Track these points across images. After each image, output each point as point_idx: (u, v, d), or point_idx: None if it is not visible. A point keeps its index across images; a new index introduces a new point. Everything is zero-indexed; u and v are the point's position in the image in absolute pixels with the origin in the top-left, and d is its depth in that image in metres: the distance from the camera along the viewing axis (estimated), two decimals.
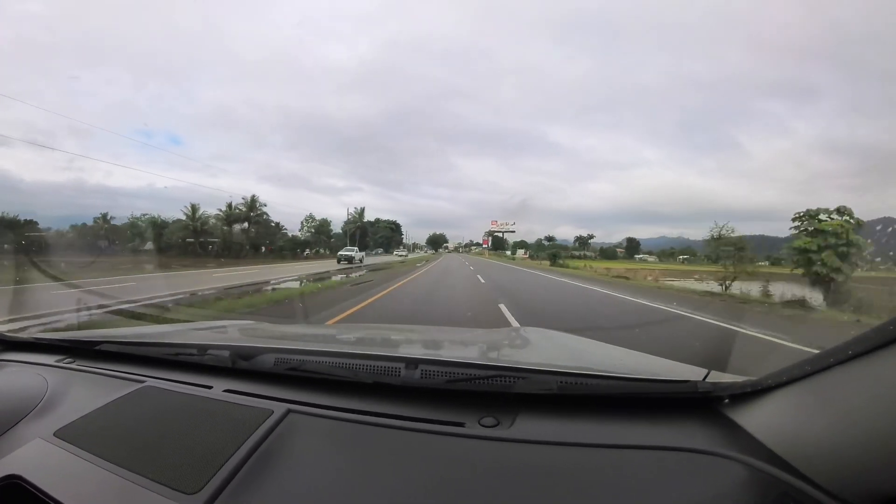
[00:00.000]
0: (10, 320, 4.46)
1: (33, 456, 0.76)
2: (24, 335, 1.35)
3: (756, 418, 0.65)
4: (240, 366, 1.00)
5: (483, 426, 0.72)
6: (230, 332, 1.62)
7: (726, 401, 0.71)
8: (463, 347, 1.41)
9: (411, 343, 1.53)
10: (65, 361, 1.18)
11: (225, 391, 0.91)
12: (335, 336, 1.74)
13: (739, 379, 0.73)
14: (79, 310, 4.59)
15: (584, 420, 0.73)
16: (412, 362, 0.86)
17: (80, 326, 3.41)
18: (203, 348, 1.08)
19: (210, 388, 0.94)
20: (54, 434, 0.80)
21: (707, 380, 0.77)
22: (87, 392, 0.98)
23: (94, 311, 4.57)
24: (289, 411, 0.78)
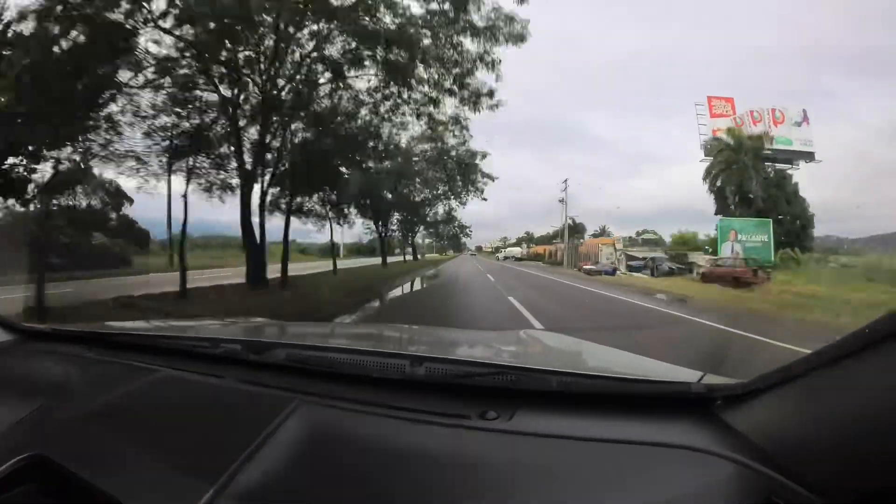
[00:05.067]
0: None
1: (55, 438, 0.78)
2: (41, 326, 1.39)
3: (746, 419, 0.67)
4: (251, 358, 1.02)
5: (485, 419, 0.74)
6: (245, 327, 1.68)
7: (719, 402, 0.73)
8: (467, 347, 1.46)
9: (418, 342, 1.58)
10: (83, 352, 1.21)
11: (238, 381, 0.94)
12: (345, 334, 1.79)
13: (731, 381, 0.76)
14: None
15: (582, 417, 0.76)
16: (417, 360, 0.90)
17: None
18: (216, 342, 1.11)
19: (224, 377, 0.96)
20: (75, 419, 0.83)
21: (702, 382, 0.80)
22: (103, 381, 1.00)
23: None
24: (300, 401, 0.80)
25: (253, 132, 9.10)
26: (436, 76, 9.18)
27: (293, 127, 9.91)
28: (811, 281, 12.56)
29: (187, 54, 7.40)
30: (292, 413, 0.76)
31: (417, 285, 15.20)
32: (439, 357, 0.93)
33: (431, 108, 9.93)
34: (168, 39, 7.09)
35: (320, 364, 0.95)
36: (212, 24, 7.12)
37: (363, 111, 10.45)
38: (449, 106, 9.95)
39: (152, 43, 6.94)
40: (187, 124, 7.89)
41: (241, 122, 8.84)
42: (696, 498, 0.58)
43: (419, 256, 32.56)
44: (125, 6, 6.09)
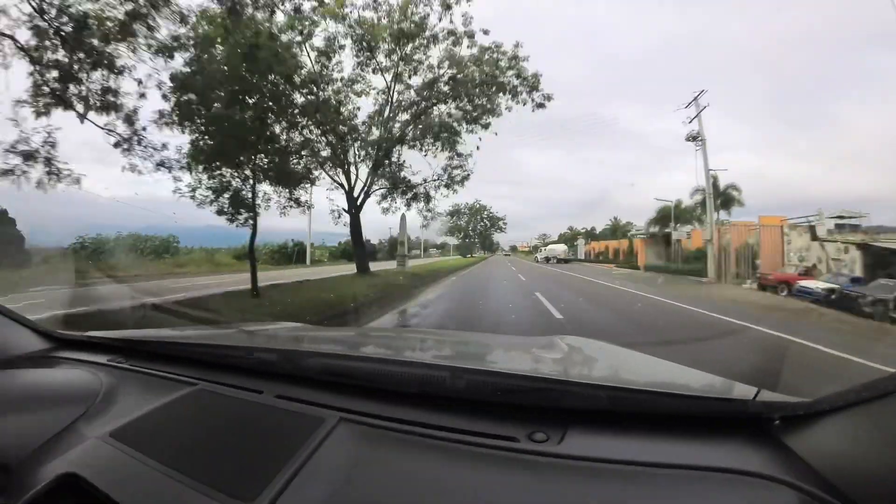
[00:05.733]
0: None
1: (89, 455, 0.77)
2: (76, 333, 1.36)
3: (808, 442, 0.63)
4: (286, 369, 1.00)
5: (534, 441, 0.69)
6: (278, 336, 1.63)
7: (777, 422, 0.68)
8: (508, 357, 1.38)
9: (456, 351, 1.49)
10: (117, 361, 1.19)
11: (276, 397, 0.90)
12: (380, 342, 1.68)
13: (792, 400, 0.70)
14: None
15: (633, 437, 0.70)
16: (458, 372, 0.84)
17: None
18: (251, 351, 1.10)
19: (261, 392, 0.92)
20: (109, 434, 0.81)
21: (758, 399, 0.73)
22: (139, 392, 1.00)
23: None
24: (340, 419, 0.78)
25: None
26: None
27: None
28: None
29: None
30: (332, 432, 0.74)
31: None
32: (481, 369, 0.89)
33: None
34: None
35: (358, 376, 0.91)
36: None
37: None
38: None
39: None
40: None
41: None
42: None
43: (405, 262, 18.44)
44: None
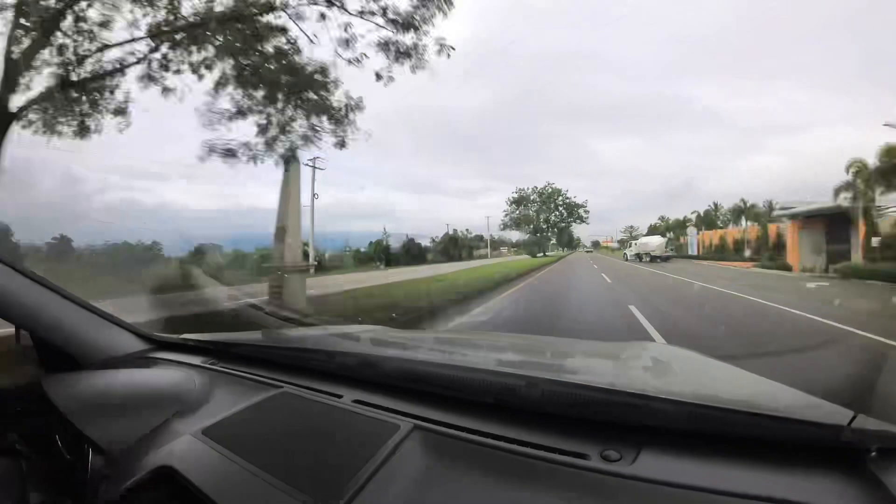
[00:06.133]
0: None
1: (184, 451, 0.82)
2: (172, 336, 1.47)
3: None
4: (365, 374, 1.04)
5: (606, 460, 0.67)
6: (358, 338, 1.67)
7: (874, 454, 0.61)
8: (586, 366, 1.35)
9: (532, 359, 1.46)
10: (209, 362, 1.29)
11: (354, 401, 0.94)
12: (456, 347, 1.69)
13: (894, 429, 0.63)
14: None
15: (711, 460, 0.65)
16: (533, 382, 0.84)
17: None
18: (331, 354, 1.16)
19: (340, 396, 0.97)
20: (202, 431, 0.86)
21: (853, 425, 0.64)
22: (229, 393, 1.08)
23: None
24: (415, 427, 0.80)
25: None
26: None
27: None
28: None
29: None
30: (406, 440, 0.76)
31: None
32: (557, 379, 0.89)
33: None
34: None
35: (433, 383, 0.94)
36: None
37: None
38: None
39: None
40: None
41: None
42: None
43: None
44: None
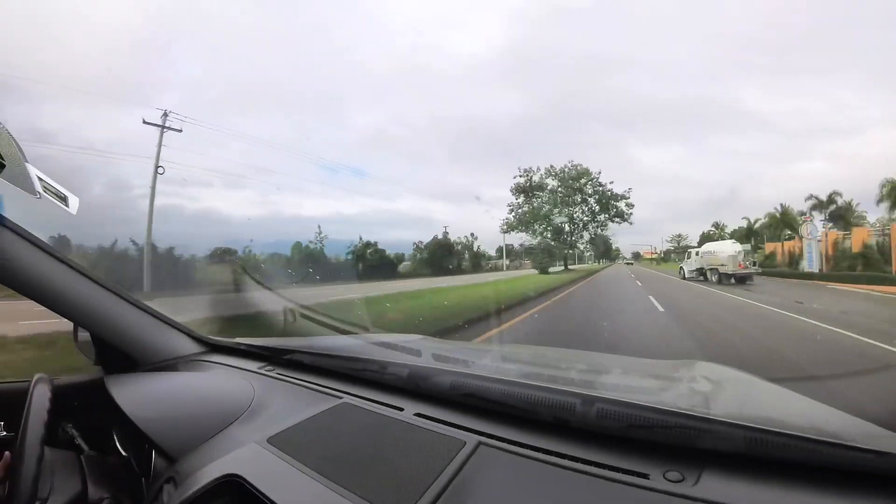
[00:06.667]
0: None
1: (250, 459, 0.82)
2: (226, 339, 1.47)
3: None
4: (420, 386, 1.03)
5: (668, 480, 0.66)
6: (406, 349, 1.64)
7: None
8: (641, 385, 1.30)
9: (585, 376, 1.40)
10: (265, 369, 1.29)
11: (415, 415, 0.93)
12: (508, 361, 1.67)
13: None
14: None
15: (771, 484, 0.65)
16: (589, 400, 0.82)
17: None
18: (384, 365, 1.15)
19: (402, 409, 0.96)
20: (267, 440, 0.86)
21: None
22: (287, 402, 1.07)
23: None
24: (479, 444, 0.79)
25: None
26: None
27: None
28: None
29: None
30: (472, 455, 0.76)
31: None
32: (613, 398, 0.84)
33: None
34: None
35: (493, 398, 0.91)
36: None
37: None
38: None
39: None
40: None
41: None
42: None
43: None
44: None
